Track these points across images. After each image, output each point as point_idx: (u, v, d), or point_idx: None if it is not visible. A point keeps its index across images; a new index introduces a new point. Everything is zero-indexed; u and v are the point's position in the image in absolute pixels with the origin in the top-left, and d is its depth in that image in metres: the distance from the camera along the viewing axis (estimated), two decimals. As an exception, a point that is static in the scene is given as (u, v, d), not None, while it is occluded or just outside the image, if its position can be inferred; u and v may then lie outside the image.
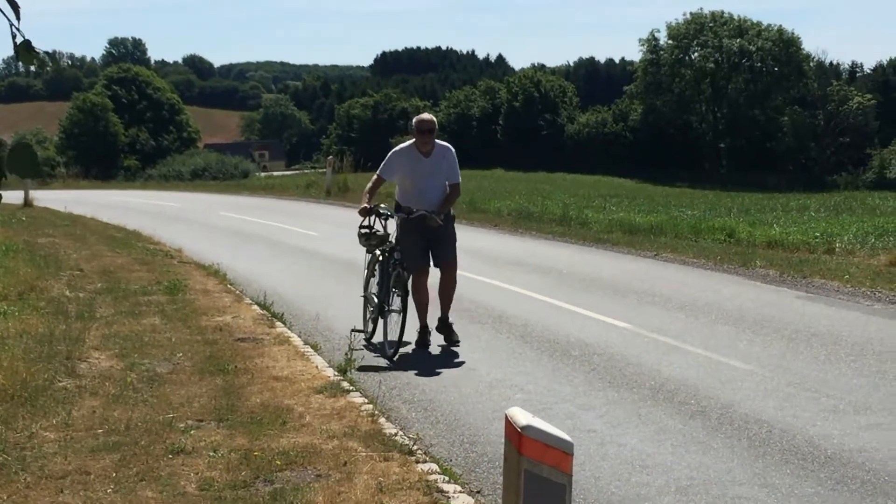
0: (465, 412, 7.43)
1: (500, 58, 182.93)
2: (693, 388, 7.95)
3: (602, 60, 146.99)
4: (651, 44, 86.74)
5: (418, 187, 9.61)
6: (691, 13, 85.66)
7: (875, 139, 76.42)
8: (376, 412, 7.04)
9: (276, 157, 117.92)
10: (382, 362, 9.01)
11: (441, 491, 5.48)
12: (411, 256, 9.47)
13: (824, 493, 5.71)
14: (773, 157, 77.19)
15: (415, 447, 6.30)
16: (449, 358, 9.25)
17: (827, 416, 7.16)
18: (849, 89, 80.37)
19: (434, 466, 5.94)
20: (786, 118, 78.58)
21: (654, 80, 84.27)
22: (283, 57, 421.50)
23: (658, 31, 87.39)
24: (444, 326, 9.81)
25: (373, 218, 9.56)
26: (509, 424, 3.51)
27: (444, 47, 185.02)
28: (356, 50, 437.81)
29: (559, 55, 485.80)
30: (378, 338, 9.60)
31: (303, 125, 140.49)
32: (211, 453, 5.97)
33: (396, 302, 9.39)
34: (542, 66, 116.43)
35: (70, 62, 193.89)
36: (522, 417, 3.45)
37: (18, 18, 2.77)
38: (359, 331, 9.72)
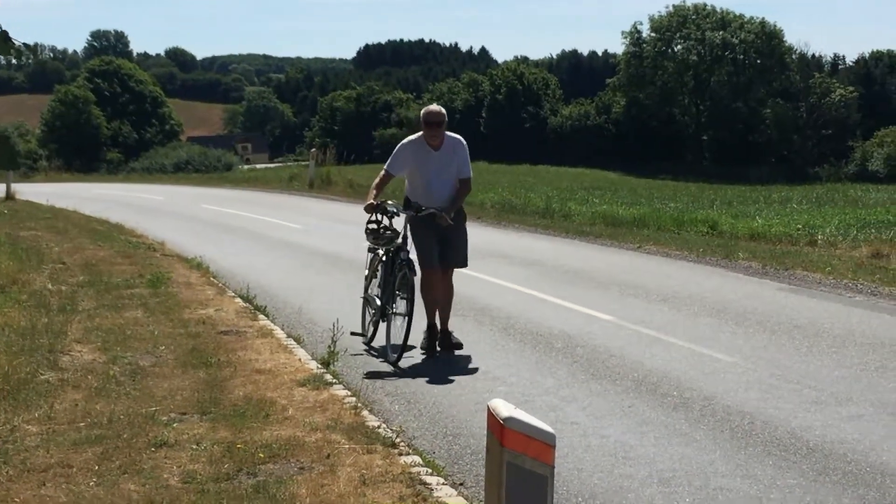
0: (448, 404, 7.43)
1: (484, 50, 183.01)
2: (676, 380, 7.97)
3: (585, 53, 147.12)
4: (634, 36, 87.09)
5: (427, 183, 9.02)
6: (674, 6, 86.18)
7: (857, 131, 77.04)
8: (359, 405, 7.03)
9: (259, 149, 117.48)
10: (366, 353, 8.99)
11: (424, 483, 5.49)
12: (425, 250, 8.92)
13: (806, 483, 5.74)
14: (756, 149, 77.55)
15: (398, 439, 6.30)
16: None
17: (809, 408, 7.19)
18: (831, 82, 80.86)
19: (417, 459, 5.94)
20: (768, 111, 78.96)
21: (636, 73, 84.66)
22: (265, 49, 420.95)
23: (641, 23, 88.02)
24: (445, 338, 9.13)
25: (380, 215, 9.05)
26: (492, 416, 3.51)
27: (427, 40, 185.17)
28: (339, 42, 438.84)
29: (542, 48, 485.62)
30: (378, 341, 9.17)
31: (286, 118, 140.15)
32: (194, 446, 5.96)
33: (401, 305, 8.86)
34: (526, 59, 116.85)
35: (52, 55, 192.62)
36: (505, 409, 3.46)
37: (-5, 10, 2.75)
38: (358, 334, 9.28)
